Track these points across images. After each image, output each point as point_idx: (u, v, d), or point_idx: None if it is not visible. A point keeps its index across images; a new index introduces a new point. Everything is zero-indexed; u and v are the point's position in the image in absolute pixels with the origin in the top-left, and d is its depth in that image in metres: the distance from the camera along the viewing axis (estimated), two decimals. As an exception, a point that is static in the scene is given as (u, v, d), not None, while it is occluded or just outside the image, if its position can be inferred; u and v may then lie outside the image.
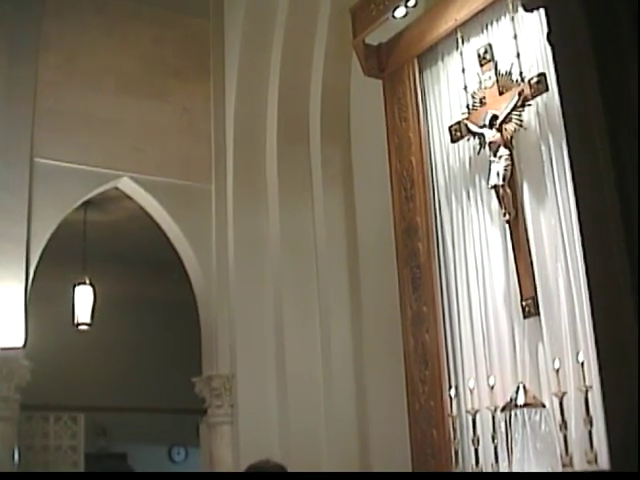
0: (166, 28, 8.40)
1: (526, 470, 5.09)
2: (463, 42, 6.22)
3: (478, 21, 6.14)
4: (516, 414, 5.23)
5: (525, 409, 5.21)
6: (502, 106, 5.75)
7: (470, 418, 5.63)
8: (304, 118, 7.94)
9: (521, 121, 5.67)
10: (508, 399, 5.34)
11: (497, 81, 5.88)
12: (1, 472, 6.56)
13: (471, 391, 5.68)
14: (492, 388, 5.51)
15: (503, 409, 5.35)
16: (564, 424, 5.06)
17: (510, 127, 5.71)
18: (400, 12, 6.35)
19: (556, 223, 5.41)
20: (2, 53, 7.37)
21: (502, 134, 5.73)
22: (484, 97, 5.97)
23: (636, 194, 1.63)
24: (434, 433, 5.89)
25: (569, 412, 5.09)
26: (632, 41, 1.70)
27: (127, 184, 7.97)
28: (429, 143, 6.49)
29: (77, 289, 9.26)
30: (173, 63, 8.35)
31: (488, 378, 5.59)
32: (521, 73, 5.71)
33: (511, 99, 5.69)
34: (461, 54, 6.22)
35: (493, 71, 5.91)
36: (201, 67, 8.51)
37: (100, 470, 4.09)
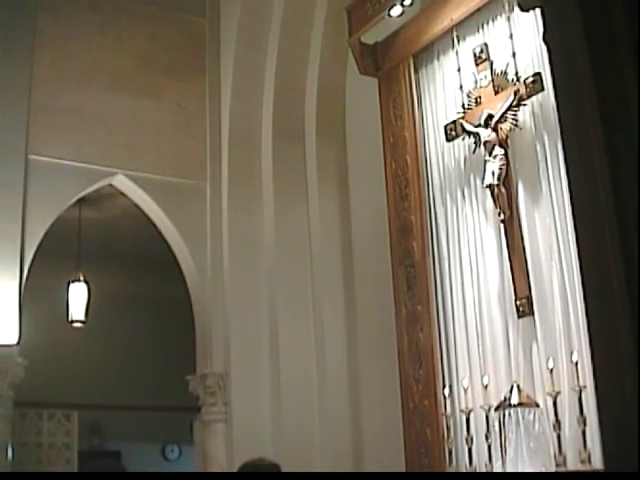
0: (161, 26, 8.39)
1: (520, 469, 5.09)
2: (459, 41, 6.22)
3: (474, 20, 6.14)
4: (510, 413, 5.23)
5: (519, 408, 5.21)
6: (497, 105, 5.76)
7: (464, 417, 5.64)
8: (299, 116, 7.94)
9: (516, 120, 5.67)
10: (502, 398, 5.34)
11: (493, 80, 5.88)
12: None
13: (465, 390, 5.68)
14: (486, 387, 5.51)
15: (497, 408, 5.35)
16: (558, 424, 5.06)
17: (505, 126, 5.71)
18: (396, 11, 6.34)
19: (551, 222, 5.41)
20: (-3, 50, 7.36)
21: (497, 133, 5.73)
22: (479, 96, 5.97)
23: (632, 193, 1.63)
24: (428, 432, 5.89)
25: (563, 412, 5.10)
26: (628, 41, 1.70)
27: (122, 181, 7.96)
28: (424, 142, 6.48)
29: (71, 286, 9.24)
30: (167, 61, 8.34)
31: (482, 377, 5.59)
32: (517, 73, 5.71)
33: (506, 98, 5.70)
34: (457, 53, 6.22)
35: (489, 70, 5.92)
36: (196, 65, 8.50)
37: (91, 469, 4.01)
